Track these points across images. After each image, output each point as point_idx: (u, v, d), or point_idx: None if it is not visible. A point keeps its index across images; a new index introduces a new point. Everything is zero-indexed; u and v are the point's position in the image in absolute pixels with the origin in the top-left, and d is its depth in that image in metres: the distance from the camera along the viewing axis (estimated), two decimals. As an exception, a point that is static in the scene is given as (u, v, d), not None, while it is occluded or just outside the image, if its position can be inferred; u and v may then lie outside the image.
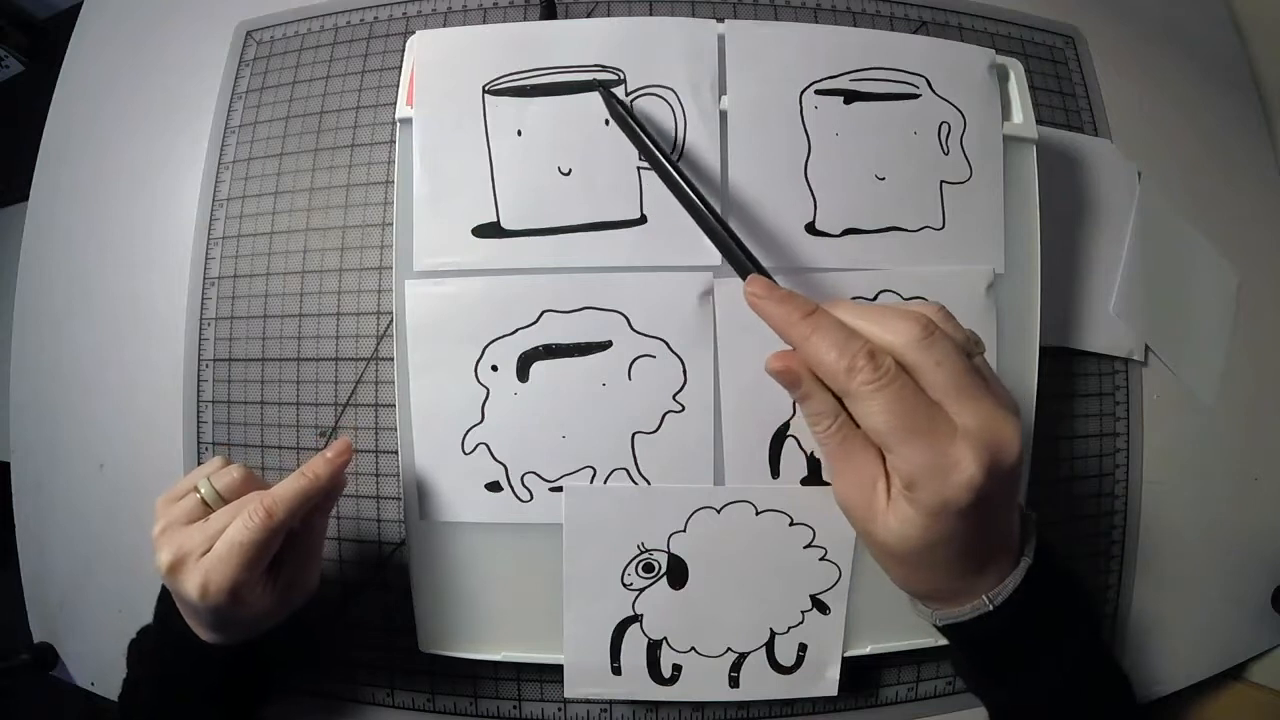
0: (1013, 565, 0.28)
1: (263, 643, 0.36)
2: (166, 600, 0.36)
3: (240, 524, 0.32)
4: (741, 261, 0.31)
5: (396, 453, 0.40)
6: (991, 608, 0.27)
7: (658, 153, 0.35)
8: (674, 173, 0.34)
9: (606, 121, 0.38)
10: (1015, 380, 0.41)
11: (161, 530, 0.33)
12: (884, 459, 0.25)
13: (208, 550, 0.32)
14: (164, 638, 0.37)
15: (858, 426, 0.25)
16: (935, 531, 0.24)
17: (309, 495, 0.34)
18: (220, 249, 0.49)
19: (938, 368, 0.24)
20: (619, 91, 0.39)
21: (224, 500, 0.34)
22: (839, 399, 0.25)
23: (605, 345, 0.39)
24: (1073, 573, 0.30)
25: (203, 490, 0.34)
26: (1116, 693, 0.33)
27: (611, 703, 0.45)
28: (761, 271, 0.29)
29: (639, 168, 0.39)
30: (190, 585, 0.32)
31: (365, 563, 0.46)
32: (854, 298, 0.39)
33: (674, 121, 0.39)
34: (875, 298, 0.39)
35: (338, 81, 0.50)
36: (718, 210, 0.33)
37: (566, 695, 0.42)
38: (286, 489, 0.33)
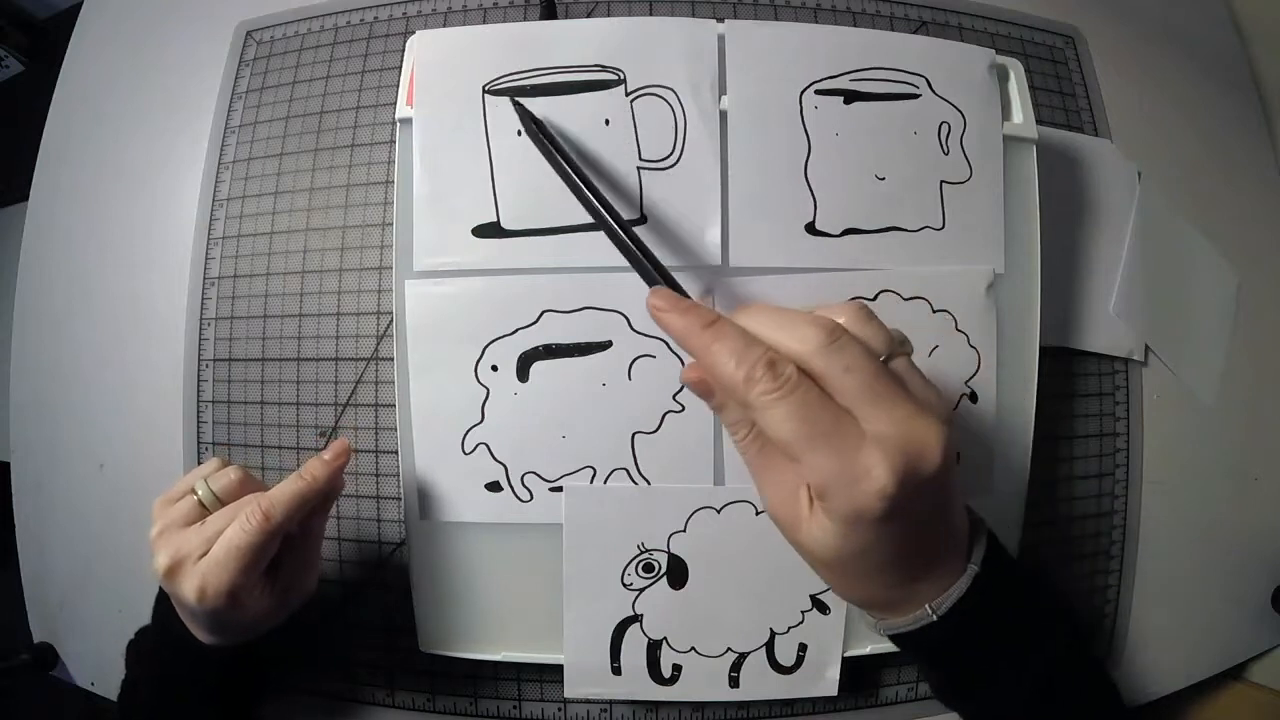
0: (960, 573, 0.27)
1: (261, 644, 0.36)
2: (165, 601, 0.36)
3: (237, 527, 0.32)
4: (648, 272, 0.30)
5: (396, 453, 0.40)
6: (935, 618, 0.26)
7: (563, 163, 0.34)
8: (578, 182, 0.33)
9: (606, 121, 0.38)
10: (1015, 380, 0.41)
11: (159, 533, 0.33)
12: None
13: (205, 553, 0.32)
14: (162, 639, 0.37)
15: None
16: (854, 541, 0.24)
17: (306, 497, 0.34)
18: (220, 249, 0.49)
19: (846, 374, 0.23)
20: (619, 91, 0.39)
21: (221, 502, 0.34)
22: None
23: (605, 345, 0.39)
24: (1038, 578, 0.29)
25: (200, 492, 0.34)
26: (1099, 703, 0.31)
27: (611, 703, 0.45)
28: (670, 283, 0.29)
29: (639, 168, 0.39)
30: (188, 588, 0.32)
31: (365, 563, 0.46)
32: (854, 298, 0.39)
33: (674, 121, 0.39)
34: (875, 298, 0.39)
35: (338, 81, 0.50)
36: (623, 219, 0.32)
37: (566, 695, 0.42)
38: (284, 491, 0.33)
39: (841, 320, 0.25)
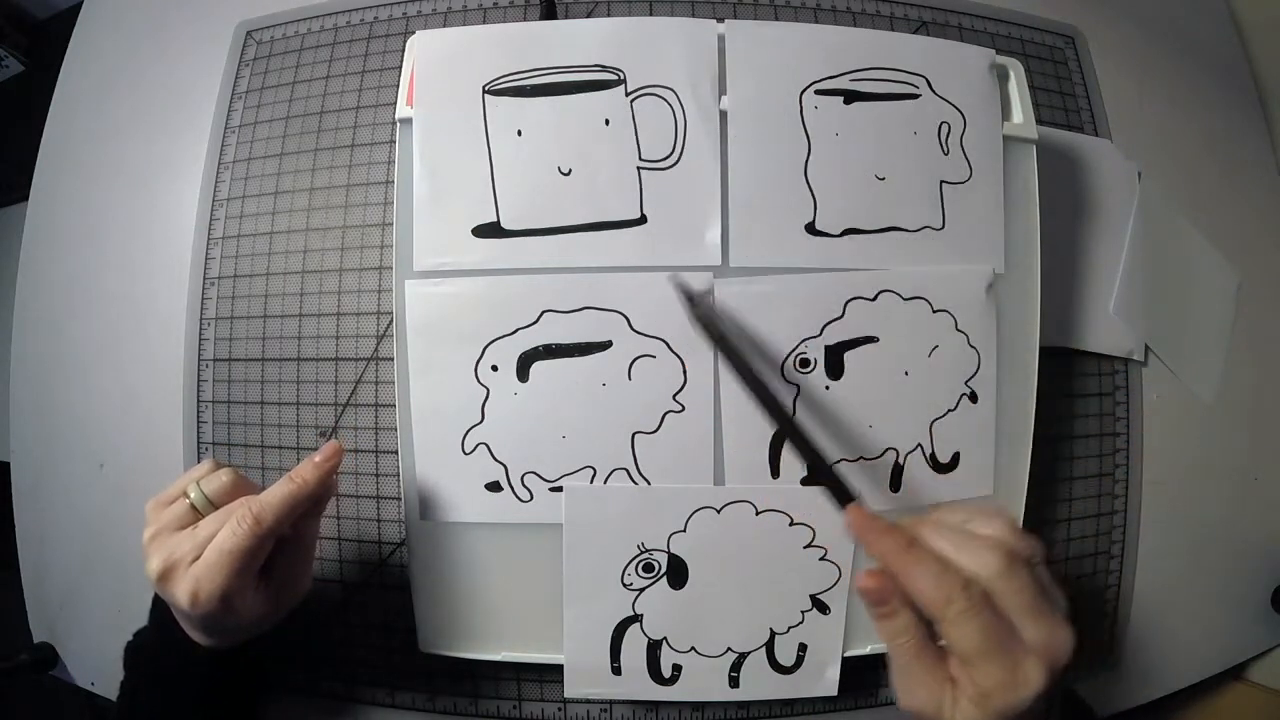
0: None
1: (258, 643, 0.36)
2: (161, 603, 0.36)
3: (229, 531, 0.32)
4: (840, 489, 0.32)
5: (396, 453, 0.40)
6: None
7: (733, 357, 0.35)
8: (756, 380, 0.34)
9: (606, 121, 0.38)
10: (1015, 380, 0.41)
11: (151, 536, 0.33)
12: (949, 663, 0.28)
13: (197, 557, 0.32)
14: (159, 640, 0.37)
15: (928, 639, 0.29)
16: None
17: (297, 501, 0.34)
18: (220, 249, 0.49)
19: (1016, 594, 0.27)
20: (619, 91, 0.39)
21: (214, 506, 0.34)
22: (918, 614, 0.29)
23: (605, 345, 0.39)
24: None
25: (192, 495, 0.34)
26: None
27: (611, 703, 0.45)
28: (856, 498, 0.32)
29: (639, 168, 0.39)
30: (180, 593, 0.32)
31: (365, 563, 0.46)
32: (854, 298, 0.39)
33: (674, 121, 0.39)
34: (875, 298, 0.39)
35: (338, 81, 0.50)
36: (811, 437, 0.34)
37: (566, 695, 0.42)
38: (275, 495, 0.33)
39: (993, 530, 0.29)
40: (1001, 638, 0.27)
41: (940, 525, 0.30)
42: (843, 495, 0.32)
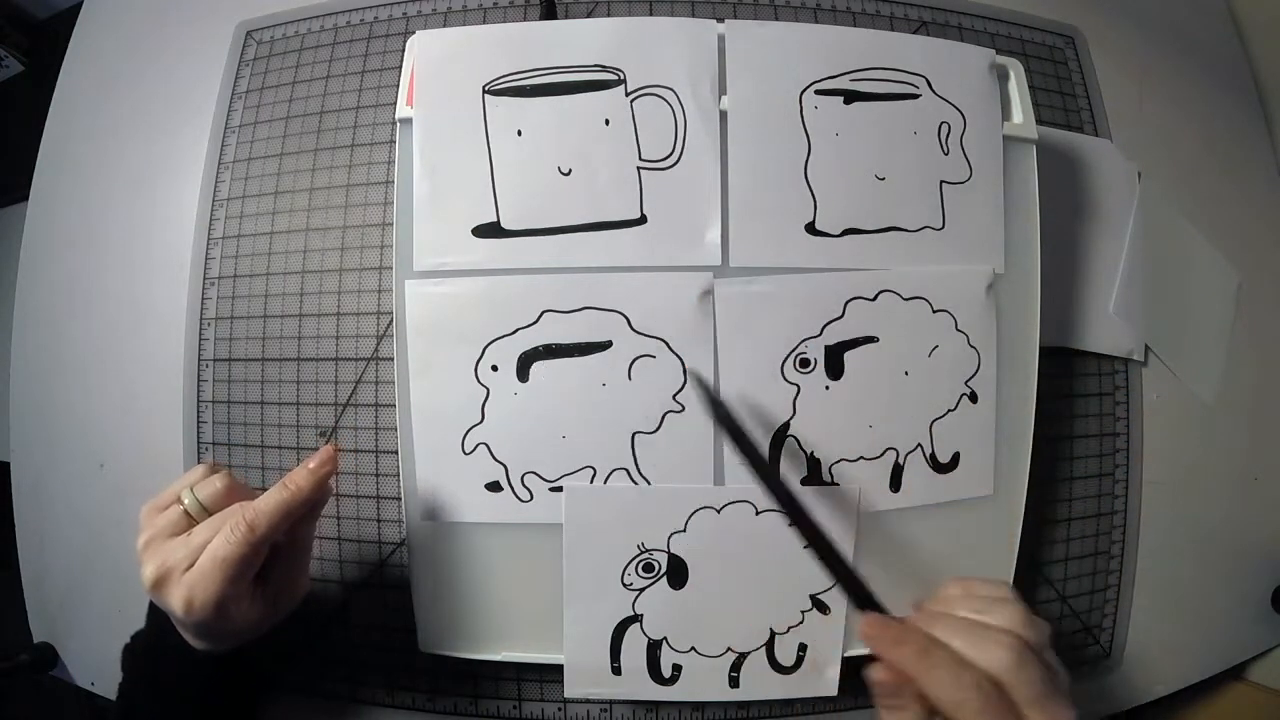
0: None
1: (256, 646, 0.36)
2: (157, 606, 0.36)
3: (222, 539, 0.32)
4: (862, 596, 0.33)
5: (396, 453, 0.40)
6: None
7: (754, 456, 0.35)
8: (776, 480, 0.35)
9: (606, 121, 0.38)
10: (1015, 380, 0.41)
11: (146, 543, 0.33)
12: None
13: (191, 565, 0.32)
14: (156, 643, 0.37)
15: None
16: None
17: (292, 508, 0.33)
18: (220, 249, 0.49)
19: (1028, 686, 0.28)
20: (619, 91, 0.39)
21: (208, 512, 0.34)
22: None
23: (605, 345, 0.39)
24: None
25: (186, 501, 0.33)
26: None
27: (611, 703, 0.45)
28: (874, 604, 0.33)
29: (639, 168, 0.39)
30: (175, 600, 0.32)
31: (365, 563, 0.46)
32: (854, 298, 0.39)
33: (674, 121, 0.39)
34: (875, 298, 0.39)
35: (338, 81, 0.50)
36: (821, 528, 0.34)
37: (566, 695, 0.42)
38: (269, 502, 0.33)
39: (1005, 620, 0.30)
40: None
41: (951, 619, 0.31)
42: (862, 599, 0.33)
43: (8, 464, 0.53)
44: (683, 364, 0.39)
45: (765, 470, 0.35)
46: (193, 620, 0.32)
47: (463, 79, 0.39)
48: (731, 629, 0.41)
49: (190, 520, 0.34)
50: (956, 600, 0.32)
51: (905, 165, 0.40)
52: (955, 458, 0.41)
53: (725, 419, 0.36)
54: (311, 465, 0.35)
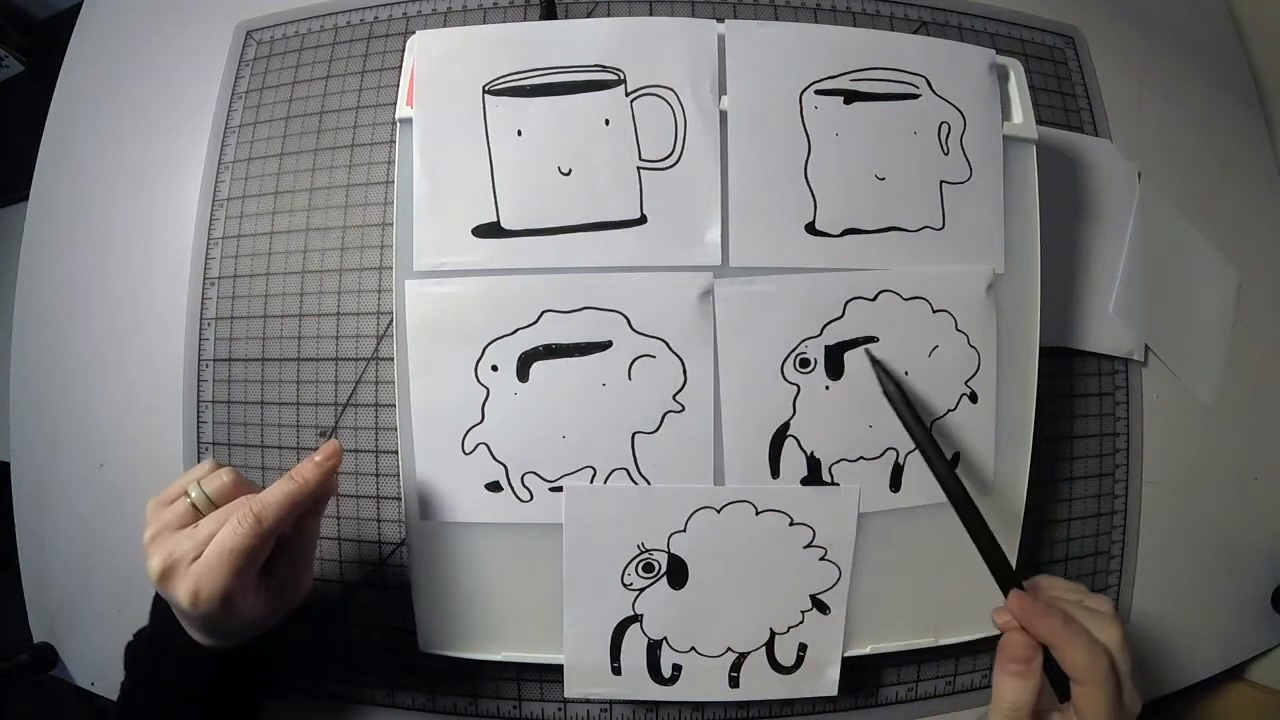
0: None
1: (259, 643, 0.36)
2: (161, 603, 0.36)
3: (229, 530, 0.32)
4: (1006, 579, 0.35)
5: (396, 453, 0.40)
6: None
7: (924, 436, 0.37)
8: (962, 494, 0.36)
9: (606, 121, 0.38)
10: (1015, 380, 0.41)
11: (152, 536, 0.33)
12: None
13: (198, 557, 0.32)
14: (159, 640, 0.37)
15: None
16: None
17: (298, 500, 0.34)
18: (220, 249, 0.49)
19: (1129, 661, 0.33)
20: (619, 91, 0.39)
21: (214, 505, 0.34)
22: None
23: (605, 345, 0.39)
24: None
25: (193, 495, 0.34)
26: None
27: (611, 703, 0.45)
28: (1019, 585, 0.35)
29: (639, 168, 0.39)
30: (181, 592, 0.32)
31: (365, 563, 0.46)
32: (854, 298, 0.39)
33: (674, 121, 0.39)
34: (875, 298, 0.39)
35: (338, 81, 0.50)
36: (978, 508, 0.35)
37: (566, 695, 0.42)
38: (275, 494, 0.33)
39: (1103, 606, 0.35)
40: (1120, 700, 0.32)
41: (1068, 603, 0.35)
42: (1007, 580, 0.34)
43: (8, 464, 0.53)
44: (683, 364, 0.39)
45: (935, 456, 0.36)
46: (199, 613, 0.32)
47: (463, 79, 0.39)
48: (731, 629, 0.41)
49: (197, 514, 0.34)
50: (1059, 589, 0.36)
51: (905, 165, 0.40)
52: (955, 458, 0.41)
53: (897, 396, 0.37)
54: (318, 459, 0.35)
